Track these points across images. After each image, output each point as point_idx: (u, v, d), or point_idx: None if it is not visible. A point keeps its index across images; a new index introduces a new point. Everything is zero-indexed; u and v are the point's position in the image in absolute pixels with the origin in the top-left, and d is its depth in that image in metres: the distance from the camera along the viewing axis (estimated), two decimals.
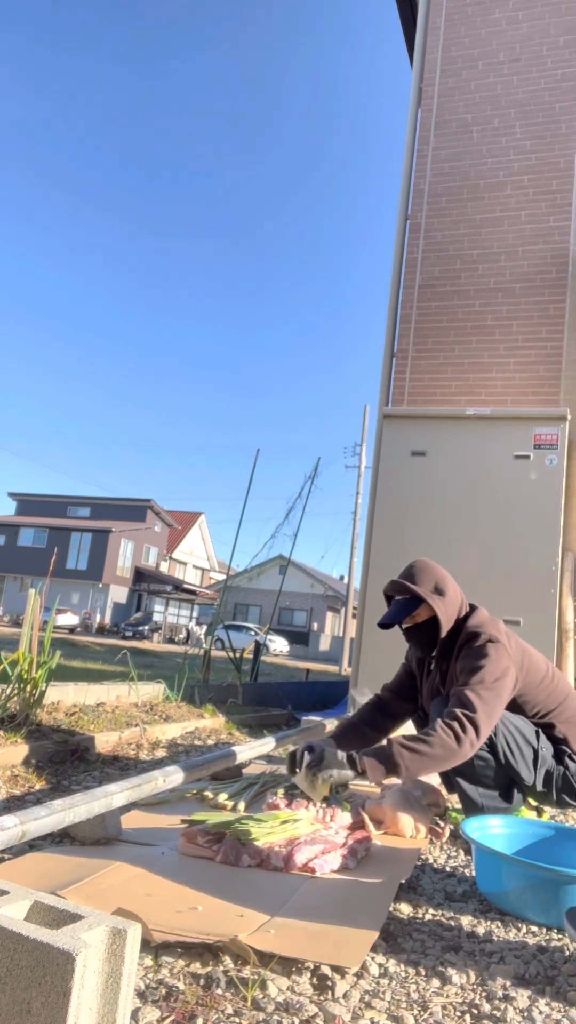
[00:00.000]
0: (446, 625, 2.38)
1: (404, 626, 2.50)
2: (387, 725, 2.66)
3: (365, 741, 2.56)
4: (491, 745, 2.25)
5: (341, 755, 2.06)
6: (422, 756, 2.01)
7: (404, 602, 2.43)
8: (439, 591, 2.39)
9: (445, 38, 6.10)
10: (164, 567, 45.46)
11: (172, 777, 2.12)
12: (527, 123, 5.66)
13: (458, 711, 2.09)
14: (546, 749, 2.33)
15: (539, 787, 2.30)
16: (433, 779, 3.01)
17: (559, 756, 2.35)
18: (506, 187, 5.61)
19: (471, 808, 2.31)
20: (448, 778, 2.59)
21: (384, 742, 2.07)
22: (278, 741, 3.01)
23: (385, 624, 2.46)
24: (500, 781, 2.30)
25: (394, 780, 2.34)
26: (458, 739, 2.04)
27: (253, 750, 2.70)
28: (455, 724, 2.06)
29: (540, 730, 2.37)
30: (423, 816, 2.38)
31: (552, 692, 2.38)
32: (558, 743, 2.36)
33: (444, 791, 2.72)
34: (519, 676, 2.29)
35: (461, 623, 2.41)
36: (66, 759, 2.98)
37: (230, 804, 2.46)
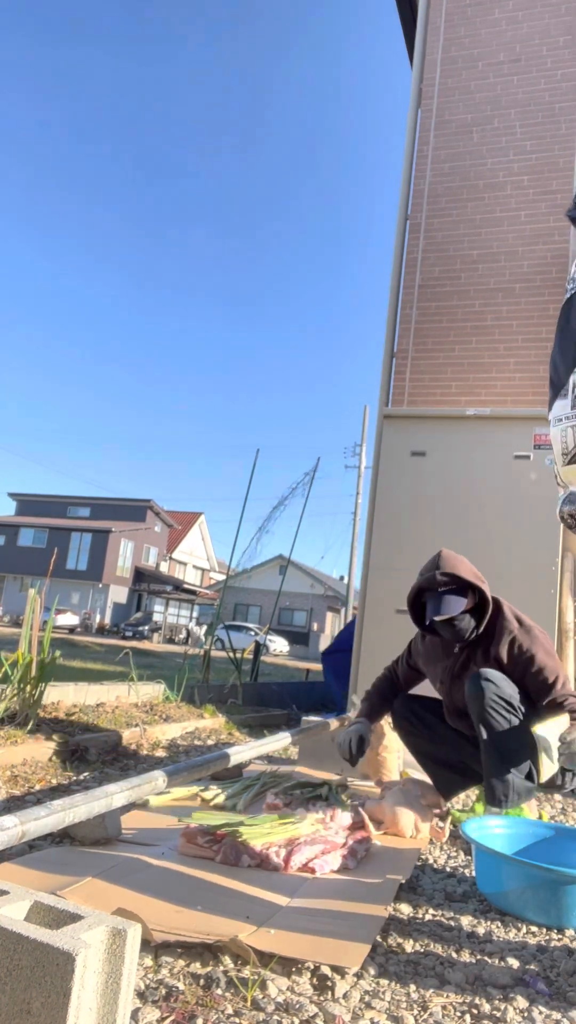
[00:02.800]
0: (489, 610, 2.50)
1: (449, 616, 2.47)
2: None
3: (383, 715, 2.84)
4: (525, 716, 2.32)
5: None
6: None
7: (453, 592, 2.44)
8: (479, 577, 2.52)
9: (445, 38, 6.10)
10: (164, 567, 45.44)
11: (172, 777, 2.12)
12: (527, 123, 5.66)
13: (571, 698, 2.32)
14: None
15: (561, 761, 2.31)
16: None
17: None
18: (506, 187, 5.62)
19: (495, 788, 2.29)
20: (443, 780, 2.59)
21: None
22: (293, 737, 3.02)
23: (448, 617, 2.43)
24: (525, 755, 2.31)
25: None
26: None
27: (252, 750, 2.69)
28: None
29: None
30: (424, 816, 2.38)
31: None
32: None
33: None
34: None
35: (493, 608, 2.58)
36: (66, 759, 2.98)
37: (230, 804, 2.46)
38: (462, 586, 2.45)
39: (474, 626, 2.49)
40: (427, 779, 2.75)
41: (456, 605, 2.42)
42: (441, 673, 2.62)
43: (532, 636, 2.45)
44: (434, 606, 2.45)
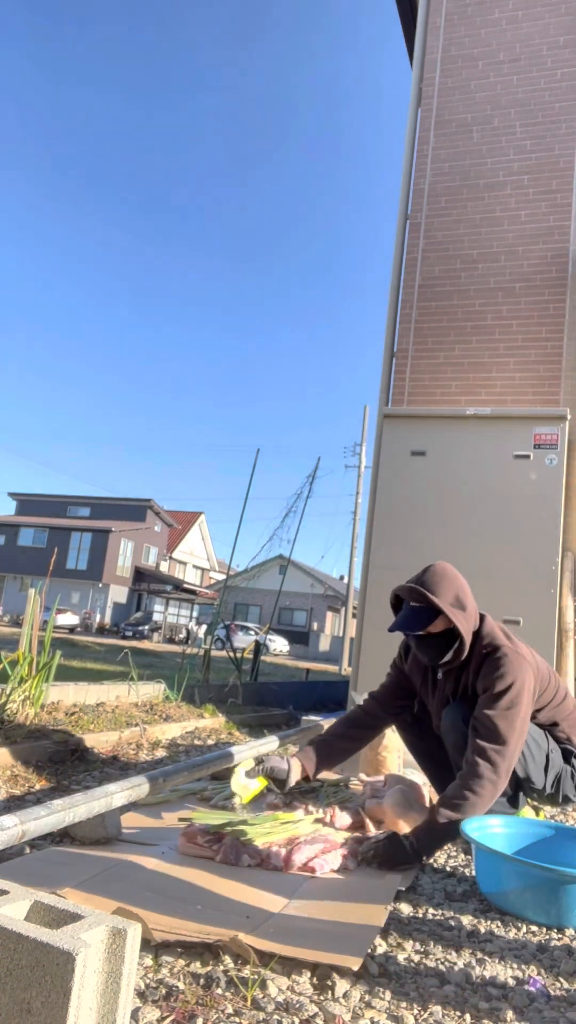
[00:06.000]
0: (467, 640, 2.26)
1: (416, 634, 2.35)
2: (365, 735, 2.61)
3: (343, 756, 2.53)
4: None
5: (406, 844, 1.96)
6: (469, 815, 2.00)
7: (420, 610, 2.29)
8: (460, 604, 2.28)
9: (445, 38, 6.10)
10: (164, 567, 45.43)
11: (172, 777, 2.12)
12: (527, 123, 5.66)
13: (490, 749, 2.04)
14: (555, 752, 2.35)
15: (548, 790, 2.31)
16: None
17: (565, 756, 2.37)
18: (506, 187, 5.61)
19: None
20: (441, 780, 2.58)
21: (430, 814, 2.03)
22: (280, 740, 3.02)
23: (396, 631, 2.35)
24: (510, 787, 2.29)
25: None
26: (495, 785, 2.03)
27: (253, 750, 2.70)
28: (489, 770, 2.02)
29: (547, 731, 2.38)
30: (423, 816, 2.38)
31: (555, 693, 2.41)
32: (561, 742, 2.38)
33: (435, 793, 2.72)
34: (536, 686, 2.25)
35: (474, 634, 2.32)
36: (66, 759, 2.98)
37: (230, 804, 2.46)
38: (432, 608, 2.27)
39: (441, 650, 2.29)
40: (416, 779, 2.77)
41: (414, 624, 2.28)
42: (426, 694, 2.52)
43: (513, 662, 2.19)
44: (397, 617, 2.36)
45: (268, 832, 2.02)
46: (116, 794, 1.82)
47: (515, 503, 4.54)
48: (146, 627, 33.05)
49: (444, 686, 2.42)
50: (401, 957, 1.47)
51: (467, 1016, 1.26)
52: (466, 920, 1.71)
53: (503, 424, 4.74)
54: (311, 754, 2.42)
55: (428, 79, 6.07)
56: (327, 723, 3.82)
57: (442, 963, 1.46)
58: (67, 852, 1.87)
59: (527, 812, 2.44)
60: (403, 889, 1.86)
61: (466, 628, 2.26)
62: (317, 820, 2.26)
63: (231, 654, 6.42)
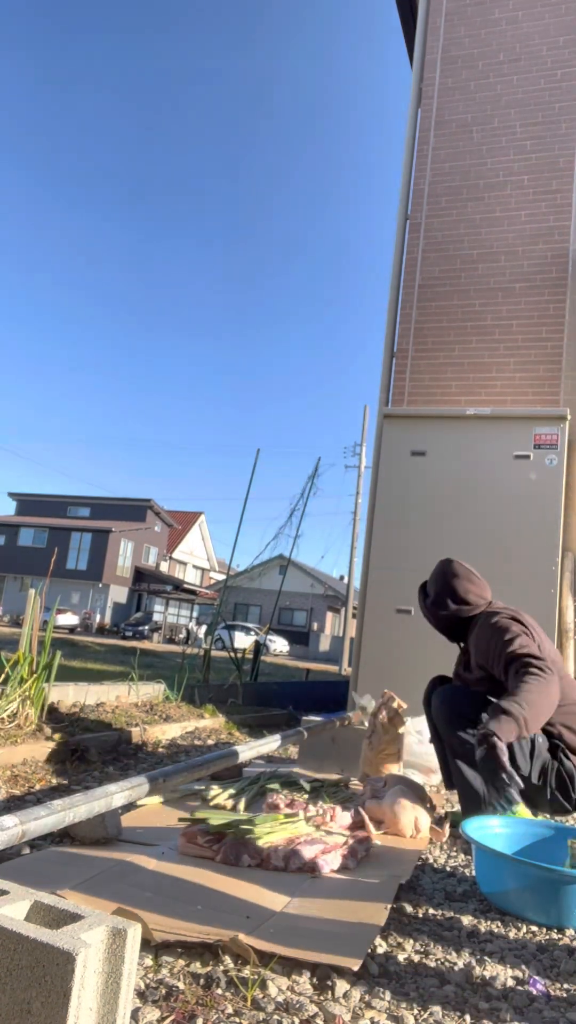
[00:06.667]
0: (440, 628, 2.77)
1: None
2: None
3: None
4: None
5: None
6: (529, 698, 2.13)
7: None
8: (438, 603, 2.70)
9: (445, 38, 6.10)
10: (164, 567, 45.42)
11: (172, 777, 2.12)
12: (527, 123, 5.66)
13: (519, 660, 2.28)
14: (541, 741, 2.35)
15: (534, 779, 2.31)
16: (432, 780, 3.01)
17: (553, 750, 2.36)
18: (506, 187, 5.61)
19: (470, 796, 2.31)
20: (450, 772, 2.60)
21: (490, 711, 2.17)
22: (293, 737, 3.03)
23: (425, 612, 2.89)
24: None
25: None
26: (543, 675, 2.21)
27: (253, 750, 2.69)
28: (532, 668, 2.23)
29: None
30: (424, 815, 2.38)
31: (560, 678, 2.44)
32: (552, 738, 2.38)
33: (443, 788, 2.72)
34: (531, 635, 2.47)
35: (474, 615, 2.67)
36: (66, 759, 2.98)
37: (230, 804, 2.46)
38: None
39: (446, 631, 2.75)
40: (416, 779, 2.78)
41: (419, 607, 2.88)
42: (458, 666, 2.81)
43: (488, 622, 2.52)
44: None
45: (269, 832, 2.01)
46: (116, 794, 1.82)
47: (515, 503, 4.54)
48: (146, 627, 33.04)
49: (460, 658, 2.76)
50: (401, 957, 1.47)
51: (467, 1016, 1.26)
52: (466, 920, 1.71)
53: (503, 424, 4.74)
54: None
55: (428, 79, 6.07)
56: (327, 723, 3.82)
57: (442, 963, 1.46)
58: (67, 852, 1.87)
59: (525, 813, 2.44)
60: (403, 881, 1.86)
61: (436, 623, 2.75)
62: (317, 820, 2.26)
63: (231, 654, 6.43)
